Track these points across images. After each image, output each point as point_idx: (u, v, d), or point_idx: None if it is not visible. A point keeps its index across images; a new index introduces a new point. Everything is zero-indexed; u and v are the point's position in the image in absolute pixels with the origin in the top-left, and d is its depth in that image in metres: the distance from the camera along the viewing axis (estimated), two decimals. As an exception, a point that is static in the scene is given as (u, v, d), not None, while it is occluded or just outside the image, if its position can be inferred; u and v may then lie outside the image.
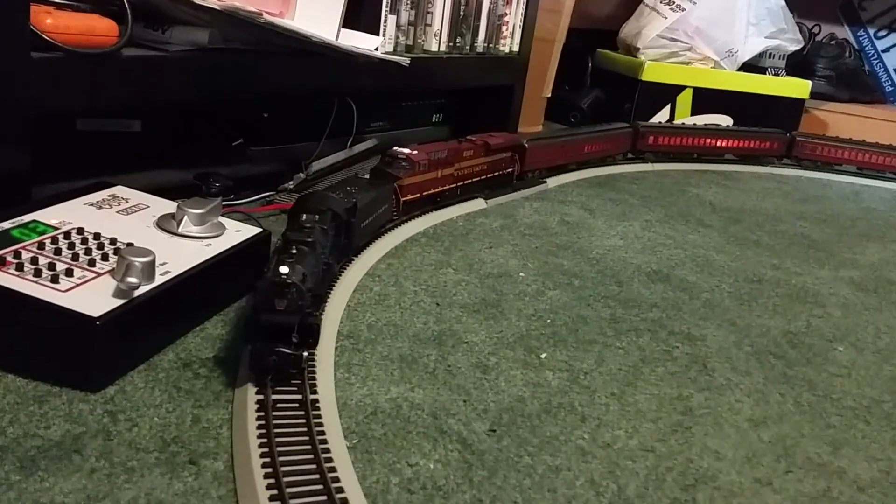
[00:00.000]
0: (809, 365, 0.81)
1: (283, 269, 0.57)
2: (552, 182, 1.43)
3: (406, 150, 1.04)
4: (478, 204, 1.22)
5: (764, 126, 1.89)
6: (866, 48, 2.73)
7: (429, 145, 1.11)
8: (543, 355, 0.75)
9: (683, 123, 2.01)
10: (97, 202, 0.77)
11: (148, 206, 0.78)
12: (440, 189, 1.13)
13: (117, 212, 0.76)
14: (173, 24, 0.93)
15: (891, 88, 2.71)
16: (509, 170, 1.31)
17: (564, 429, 0.63)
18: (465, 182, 1.19)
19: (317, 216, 0.72)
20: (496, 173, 1.28)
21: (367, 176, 1.01)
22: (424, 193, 1.09)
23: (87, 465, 0.51)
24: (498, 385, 0.68)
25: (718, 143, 1.79)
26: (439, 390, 0.66)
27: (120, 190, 0.81)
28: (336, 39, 1.06)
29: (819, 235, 1.34)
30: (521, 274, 0.96)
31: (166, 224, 0.75)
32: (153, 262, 0.63)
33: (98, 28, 0.83)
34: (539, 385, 0.69)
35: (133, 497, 0.48)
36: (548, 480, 0.56)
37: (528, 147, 1.34)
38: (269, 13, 0.94)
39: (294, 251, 0.62)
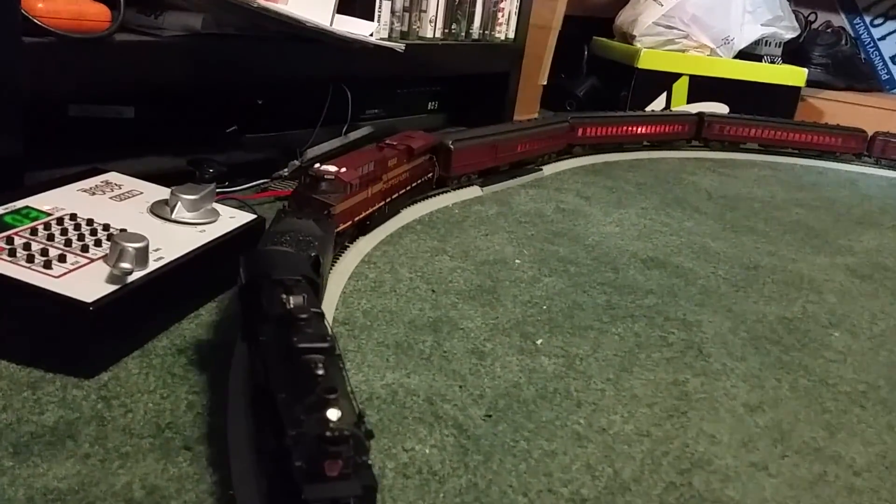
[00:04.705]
0: (805, 350, 0.81)
1: (334, 414, 0.39)
2: (548, 170, 1.42)
3: (332, 168, 0.86)
4: (473, 191, 1.22)
5: (760, 114, 1.88)
6: (862, 36, 2.72)
7: (350, 157, 0.92)
8: (539, 341, 0.75)
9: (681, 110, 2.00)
10: (90, 188, 0.76)
11: (141, 193, 0.78)
12: (370, 211, 0.95)
13: (110, 198, 0.75)
14: (166, 8, 0.92)
15: (887, 77, 2.70)
16: (429, 175, 1.14)
17: (560, 414, 0.63)
18: (392, 197, 1.02)
19: (304, 295, 0.52)
20: (419, 181, 1.10)
21: (289, 205, 0.84)
22: (356, 219, 0.90)
23: (81, 450, 0.50)
24: (494, 371, 0.68)
25: (637, 131, 1.71)
26: (435, 376, 0.66)
27: (113, 176, 0.81)
28: (330, 25, 1.06)
29: (815, 222, 1.34)
30: (516, 261, 0.95)
31: (160, 210, 0.74)
32: (146, 247, 0.63)
33: (90, 13, 0.82)
34: (535, 371, 0.69)
35: (127, 482, 0.48)
36: (543, 465, 0.56)
37: (453, 149, 1.16)
38: (262, -2, 0.94)
39: (321, 371, 0.43)
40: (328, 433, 0.38)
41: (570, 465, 0.56)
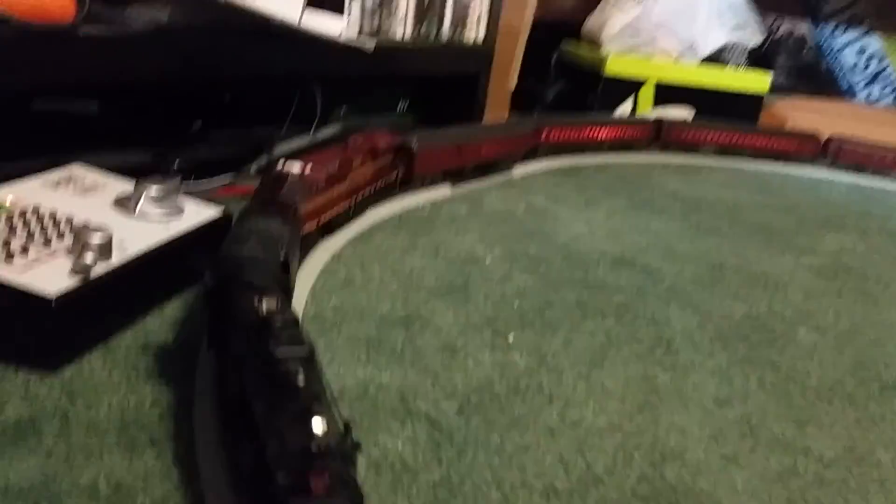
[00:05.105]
0: (772, 347, 0.82)
1: (319, 426, 0.37)
2: (517, 171, 1.42)
3: (297, 167, 0.83)
4: (443, 191, 1.21)
5: (725, 119, 1.91)
6: (825, 45, 2.78)
7: (315, 155, 0.89)
8: (511, 337, 0.75)
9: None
10: (54, 181, 0.75)
11: (106, 186, 0.76)
12: (336, 210, 0.92)
13: (74, 191, 0.74)
14: (132, 1, 0.91)
15: (848, 85, 2.76)
16: (394, 175, 1.11)
17: (533, 408, 0.62)
18: (358, 196, 0.99)
19: (277, 300, 0.49)
20: (384, 181, 1.07)
21: (254, 204, 0.77)
22: (321, 219, 0.88)
23: (45, 446, 0.49)
24: (466, 366, 0.68)
25: (600, 135, 1.70)
26: (407, 372, 0.65)
27: (77, 169, 0.79)
28: (299, 20, 1.05)
29: (779, 224, 1.35)
30: (487, 259, 0.95)
31: (124, 204, 0.73)
32: (110, 241, 0.62)
33: (54, 5, 0.81)
34: (507, 366, 0.69)
35: (92, 477, 0.47)
36: (517, 459, 0.55)
37: (416, 149, 1.13)
38: (231, -7, 0.92)
39: (303, 380, 0.41)
40: (313, 446, 0.35)
41: (544, 459, 0.56)
